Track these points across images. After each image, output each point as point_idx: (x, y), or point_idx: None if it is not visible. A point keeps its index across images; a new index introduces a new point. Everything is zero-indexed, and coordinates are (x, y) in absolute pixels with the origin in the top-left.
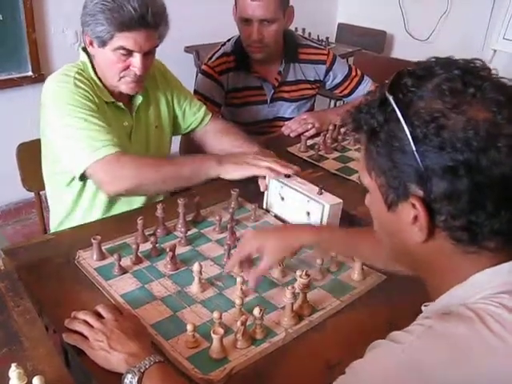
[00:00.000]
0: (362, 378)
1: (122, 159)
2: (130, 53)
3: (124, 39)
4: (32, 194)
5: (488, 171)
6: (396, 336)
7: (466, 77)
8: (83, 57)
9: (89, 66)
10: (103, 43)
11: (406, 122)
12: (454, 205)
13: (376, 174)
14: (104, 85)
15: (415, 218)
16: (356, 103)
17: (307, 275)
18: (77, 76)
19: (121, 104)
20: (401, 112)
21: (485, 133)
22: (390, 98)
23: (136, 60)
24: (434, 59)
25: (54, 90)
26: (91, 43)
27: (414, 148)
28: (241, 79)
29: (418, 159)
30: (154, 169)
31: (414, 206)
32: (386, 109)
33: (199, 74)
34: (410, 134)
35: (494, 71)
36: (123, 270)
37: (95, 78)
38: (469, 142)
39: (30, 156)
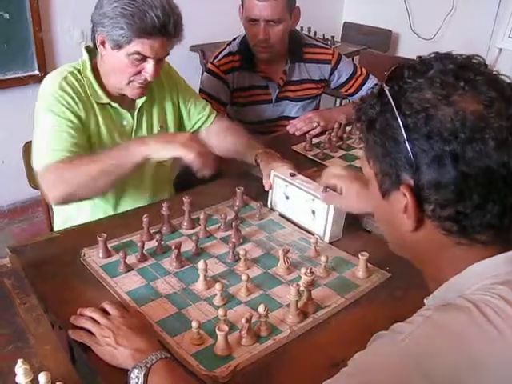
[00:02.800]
0: (363, 369)
1: (54, 167)
2: (143, 58)
3: (141, 45)
4: (38, 193)
5: (474, 163)
6: (397, 327)
7: (460, 71)
8: (85, 56)
9: (88, 66)
10: (119, 46)
11: (398, 112)
12: (441, 194)
13: (373, 163)
14: (102, 85)
15: (406, 206)
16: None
17: (312, 273)
18: (69, 76)
19: (117, 105)
20: (394, 102)
21: (472, 124)
22: (386, 89)
23: (149, 66)
24: (433, 54)
25: (42, 89)
26: (103, 43)
27: (405, 137)
28: (246, 78)
29: (409, 148)
30: (81, 170)
31: (404, 194)
32: (383, 99)
33: (205, 73)
34: (402, 123)
35: (492, 68)
36: (128, 268)
37: (92, 79)
38: (455, 132)
39: None
